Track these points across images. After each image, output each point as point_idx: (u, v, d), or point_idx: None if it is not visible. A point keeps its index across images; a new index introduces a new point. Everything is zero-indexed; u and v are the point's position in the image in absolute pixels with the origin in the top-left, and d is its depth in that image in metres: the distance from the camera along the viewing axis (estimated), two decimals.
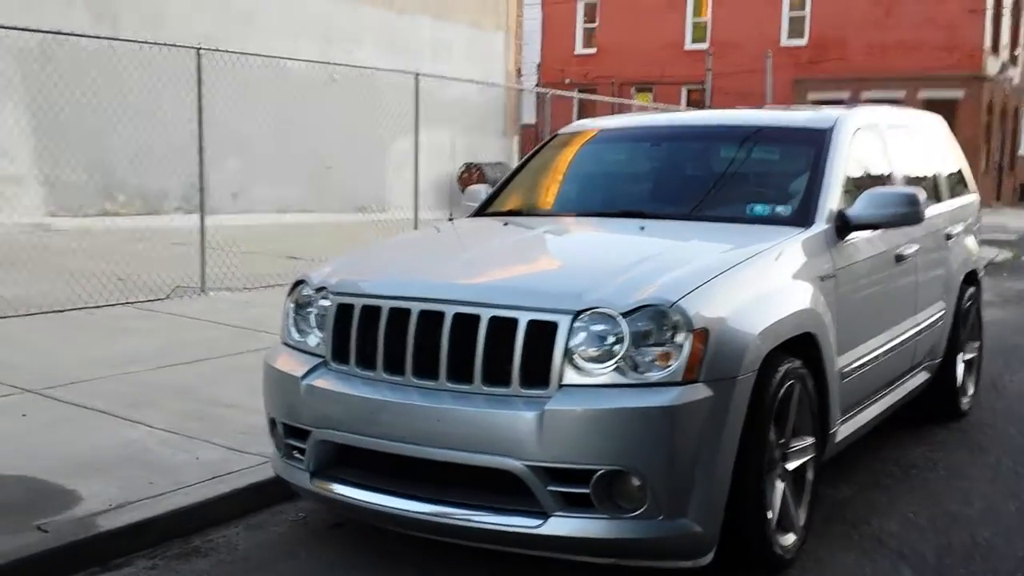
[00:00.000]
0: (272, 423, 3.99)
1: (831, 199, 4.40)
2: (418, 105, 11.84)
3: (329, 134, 17.57)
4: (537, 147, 5.64)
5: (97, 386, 5.92)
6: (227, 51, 10.14)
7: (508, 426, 3.27)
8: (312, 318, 3.96)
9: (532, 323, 3.33)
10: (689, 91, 36.77)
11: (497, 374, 3.36)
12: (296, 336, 4.02)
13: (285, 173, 15.78)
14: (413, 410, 3.43)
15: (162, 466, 4.53)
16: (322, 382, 3.71)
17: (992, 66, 34.31)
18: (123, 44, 13.19)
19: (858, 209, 4.38)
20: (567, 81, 36.64)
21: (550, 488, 3.26)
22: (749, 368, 3.39)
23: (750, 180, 4.94)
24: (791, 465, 3.76)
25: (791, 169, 4.82)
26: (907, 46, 33.10)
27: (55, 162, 13.56)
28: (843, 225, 4.34)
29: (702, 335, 3.27)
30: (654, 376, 3.25)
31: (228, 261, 9.93)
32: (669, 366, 3.25)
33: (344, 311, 3.75)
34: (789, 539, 3.72)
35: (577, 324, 3.31)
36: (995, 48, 34.72)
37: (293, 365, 3.86)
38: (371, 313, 3.65)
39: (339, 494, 3.68)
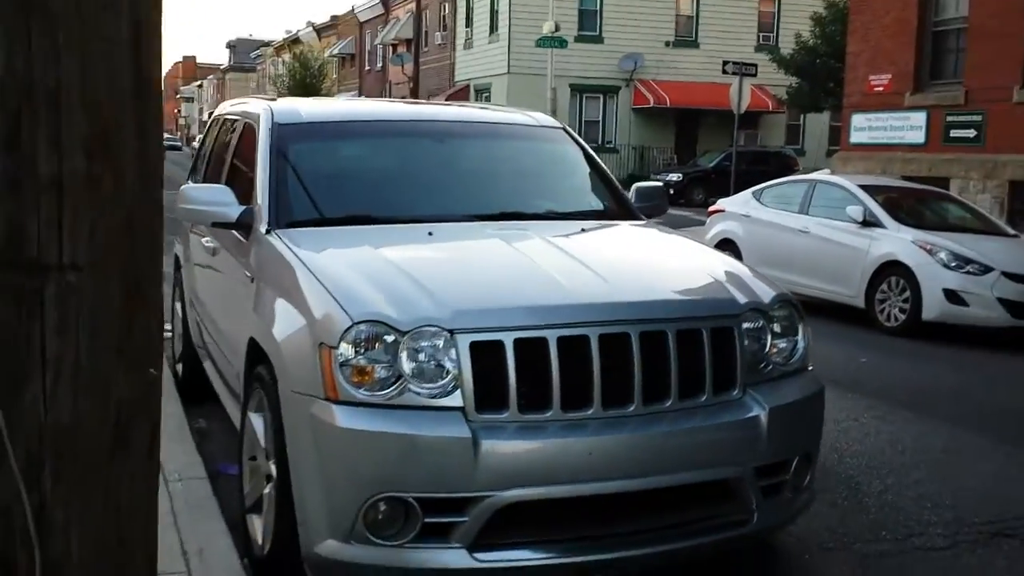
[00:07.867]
0: (378, 504, 3.12)
1: None
2: None
3: None
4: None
5: None
6: None
7: (738, 435, 3.37)
8: (390, 363, 3.16)
9: (714, 331, 3.39)
10: None
11: (691, 388, 3.33)
12: (376, 389, 3.15)
13: None
14: (631, 443, 3.23)
15: None
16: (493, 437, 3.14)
17: None
18: None
19: None
20: None
21: (761, 485, 3.42)
22: None
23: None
24: None
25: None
26: None
27: None
28: None
29: None
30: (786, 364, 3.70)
31: None
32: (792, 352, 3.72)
33: (483, 349, 3.16)
34: None
35: (746, 325, 3.50)
36: None
37: (425, 425, 3.11)
38: (531, 347, 3.19)
39: (517, 559, 3.22)
